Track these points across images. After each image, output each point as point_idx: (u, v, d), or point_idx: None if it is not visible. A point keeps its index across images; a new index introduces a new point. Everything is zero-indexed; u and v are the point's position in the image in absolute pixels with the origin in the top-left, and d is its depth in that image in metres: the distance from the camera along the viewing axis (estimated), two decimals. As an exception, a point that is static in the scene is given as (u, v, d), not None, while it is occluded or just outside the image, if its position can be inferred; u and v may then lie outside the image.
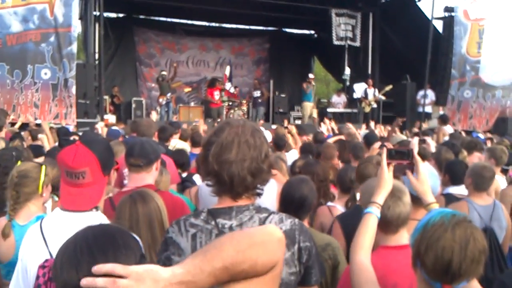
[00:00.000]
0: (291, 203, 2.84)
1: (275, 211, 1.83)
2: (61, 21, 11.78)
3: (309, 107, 16.11)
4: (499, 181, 4.80)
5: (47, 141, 6.04)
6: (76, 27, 12.46)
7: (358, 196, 3.99)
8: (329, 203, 3.89)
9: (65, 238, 1.96)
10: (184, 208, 3.05)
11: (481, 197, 3.87)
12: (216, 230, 1.73)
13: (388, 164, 2.14)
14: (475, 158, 5.44)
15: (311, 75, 16.87)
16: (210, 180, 1.79)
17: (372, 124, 12.08)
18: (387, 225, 2.23)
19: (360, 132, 9.13)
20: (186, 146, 7.29)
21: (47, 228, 2.08)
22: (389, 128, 9.87)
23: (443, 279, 1.55)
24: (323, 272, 2.00)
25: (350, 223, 3.11)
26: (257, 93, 16.71)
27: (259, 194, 1.82)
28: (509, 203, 4.10)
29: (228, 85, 16.74)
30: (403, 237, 2.21)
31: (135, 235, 1.29)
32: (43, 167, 2.87)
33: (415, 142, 5.32)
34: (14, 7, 11.64)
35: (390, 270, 2.14)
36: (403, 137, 6.80)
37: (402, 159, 2.14)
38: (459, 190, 4.20)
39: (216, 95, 15.31)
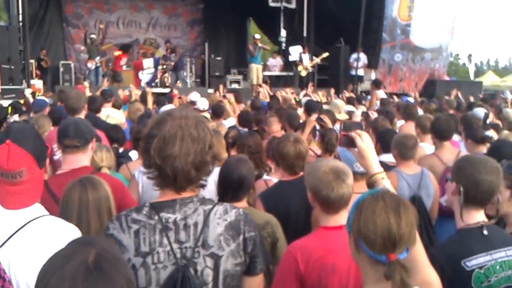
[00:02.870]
0: (230, 184, 2.86)
1: (219, 202, 1.83)
2: (-22, -21, 10.94)
3: (257, 69, 15.65)
4: (427, 149, 5.01)
5: None
6: (-4, -15, 11.64)
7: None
8: (266, 177, 3.89)
9: (5, 237, 1.90)
10: (124, 190, 2.99)
11: (408, 166, 4.02)
12: (160, 225, 1.71)
13: (343, 135, 2.17)
14: (410, 127, 5.61)
15: (257, 36, 16.44)
16: (152, 173, 1.75)
17: (310, 87, 12.22)
18: (329, 205, 2.32)
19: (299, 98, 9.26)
20: (120, 114, 7.10)
21: None
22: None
23: (386, 248, 1.60)
24: (267, 260, 2.04)
25: (272, 200, 3.20)
26: (174, 56, 15.62)
27: (203, 186, 1.81)
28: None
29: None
30: (343, 217, 2.28)
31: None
32: None
33: (358, 114, 5.45)
34: None
35: (329, 251, 2.22)
36: (340, 102, 6.93)
37: (356, 130, 2.16)
38: (391, 157, 4.34)
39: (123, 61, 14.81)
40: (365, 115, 6.06)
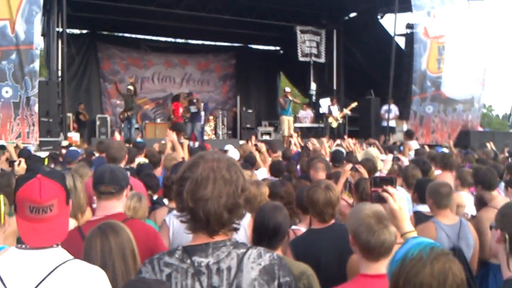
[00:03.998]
0: (265, 232, 2.79)
1: (253, 246, 1.80)
2: (22, 38, 11.47)
3: (288, 121, 15.75)
4: (465, 197, 4.88)
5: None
6: (39, 44, 12.19)
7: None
8: (294, 226, 3.79)
9: (25, 278, 1.90)
10: (157, 238, 2.97)
11: (446, 216, 3.89)
12: (192, 269, 1.68)
13: (374, 191, 2.12)
14: (448, 177, 5.50)
15: (287, 89, 16.68)
16: (185, 216, 1.74)
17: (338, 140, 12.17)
18: (369, 251, 2.23)
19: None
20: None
21: (3, 268, 1.96)
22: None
23: None
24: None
25: (301, 248, 3.12)
26: (193, 108, 15.49)
27: (236, 229, 1.78)
28: (486, 227, 4.11)
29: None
30: (384, 265, 2.19)
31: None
32: (1, 197, 2.76)
33: (389, 159, 5.37)
34: (-27, 24, 11.30)
35: (368, 300, 2.13)
36: (375, 151, 6.86)
37: (387, 186, 2.12)
38: (428, 208, 4.23)
39: (180, 110, 15.21)
40: (396, 159, 5.97)
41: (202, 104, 15.56)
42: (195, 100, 15.62)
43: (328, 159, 7.12)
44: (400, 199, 2.08)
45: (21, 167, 4.20)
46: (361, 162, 5.53)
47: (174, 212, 3.44)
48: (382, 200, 2.11)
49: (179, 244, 1.81)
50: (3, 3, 11.34)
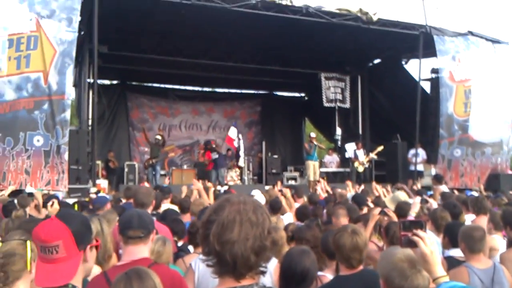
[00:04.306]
0: (292, 277, 2.74)
1: None
2: (55, 89, 11.83)
3: (313, 166, 15.73)
4: (498, 241, 4.74)
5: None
6: (70, 94, 12.55)
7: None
8: (320, 273, 3.65)
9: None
10: (182, 283, 2.94)
11: (479, 260, 3.78)
12: None
13: (403, 235, 2.09)
14: (483, 221, 5.36)
15: (312, 134, 16.75)
16: (211, 260, 1.72)
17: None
18: None
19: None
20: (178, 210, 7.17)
21: None
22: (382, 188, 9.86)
23: None
24: None
25: None
26: (214, 155, 15.84)
27: (263, 272, 1.75)
28: (509, 268, 3.99)
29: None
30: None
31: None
32: (28, 242, 2.79)
33: (417, 201, 5.30)
34: (8, 76, 11.73)
35: None
36: (402, 195, 6.75)
37: (417, 229, 2.08)
38: (460, 252, 4.11)
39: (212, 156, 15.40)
40: (424, 202, 5.87)
41: (235, 130, 15.80)
42: (214, 146, 15.92)
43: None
44: (431, 243, 2.04)
45: (54, 208, 4.26)
46: (398, 206, 5.48)
47: (200, 256, 3.44)
48: (412, 245, 2.07)
49: None
50: (38, 56, 11.80)
